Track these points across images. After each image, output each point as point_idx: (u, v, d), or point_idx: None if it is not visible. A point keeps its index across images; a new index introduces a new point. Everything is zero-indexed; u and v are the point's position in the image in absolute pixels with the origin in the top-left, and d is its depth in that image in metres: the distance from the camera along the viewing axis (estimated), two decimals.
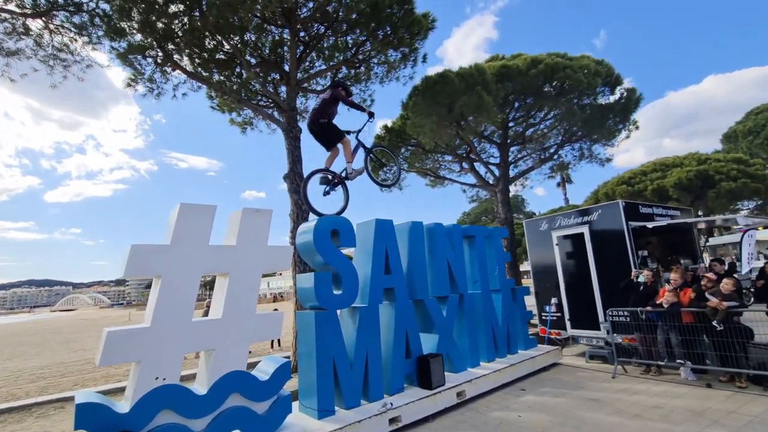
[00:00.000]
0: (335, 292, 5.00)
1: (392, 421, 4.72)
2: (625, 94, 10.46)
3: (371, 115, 5.76)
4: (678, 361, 6.01)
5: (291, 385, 5.47)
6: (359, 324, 5.12)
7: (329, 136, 5.52)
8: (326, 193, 5.57)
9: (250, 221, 4.37)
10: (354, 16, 8.20)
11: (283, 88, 9.61)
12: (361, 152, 5.70)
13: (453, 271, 6.63)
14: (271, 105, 9.40)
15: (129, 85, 8.28)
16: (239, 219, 4.33)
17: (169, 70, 8.83)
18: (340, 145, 5.56)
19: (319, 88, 10.07)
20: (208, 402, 3.77)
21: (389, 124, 12.05)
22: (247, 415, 3.93)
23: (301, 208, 7.74)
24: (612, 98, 10.47)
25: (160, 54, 8.07)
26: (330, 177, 5.54)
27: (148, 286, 5.68)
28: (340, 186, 5.66)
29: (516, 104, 11.03)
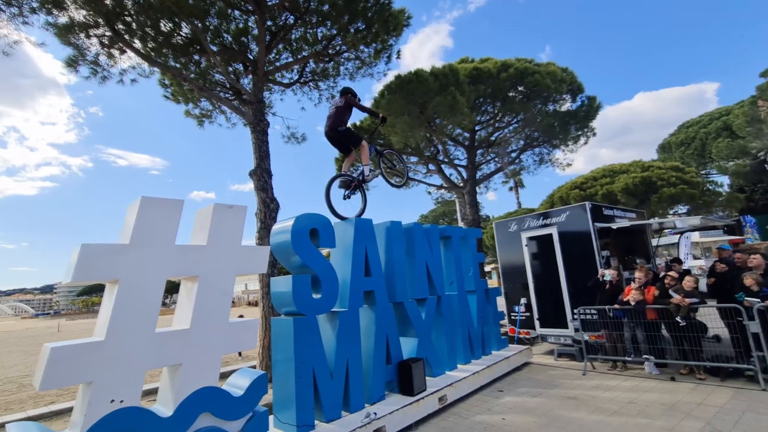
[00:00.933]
0: (314, 296, 4.65)
1: None
2: (586, 101, 11.02)
3: (384, 120, 6.05)
4: (644, 356, 6.27)
5: (265, 397, 5.01)
6: (339, 330, 4.80)
7: (348, 141, 5.80)
8: (346, 197, 5.91)
9: (222, 218, 3.91)
10: (326, 7, 7.85)
11: (246, 80, 9.04)
12: (374, 155, 6.12)
13: (431, 273, 6.48)
14: (233, 98, 8.77)
15: (69, 65, 7.31)
16: (210, 216, 3.86)
17: (116, 53, 7.95)
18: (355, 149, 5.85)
19: (285, 81, 9.57)
20: (174, 425, 3.27)
21: (357, 123, 11.77)
22: None
23: (269, 207, 7.23)
24: (574, 105, 11.03)
25: (107, 33, 7.22)
26: (349, 181, 5.84)
27: (81, 294, 4.96)
28: (358, 190, 6.00)
29: (484, 107, 11.21)
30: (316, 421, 4.36)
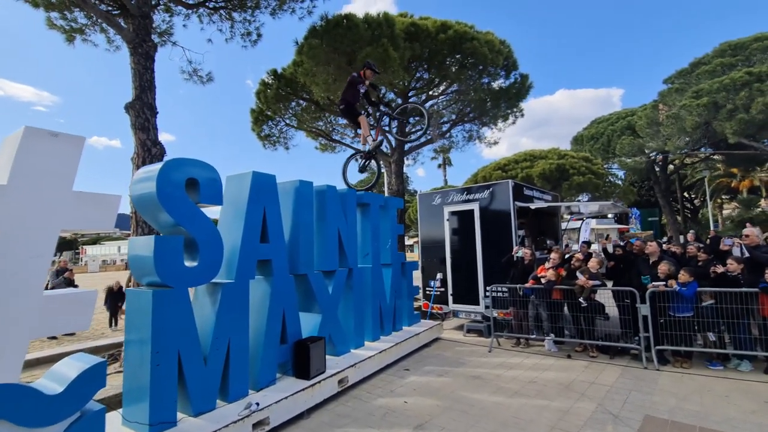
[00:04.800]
0: (188, 263, 3.70)
1: (258, 425, 3.74)
2: (519, 79, 10.93)
3: (383, 105, 6.64)
4: (546, 334, 6.40)
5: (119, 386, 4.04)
6: (221, 305, 3.93)
7: (350, 117, 6.36)
8: (362, 169, 6.75)
9: (38, 149, 2.75)
10: None
11: None
12: (386, 120, 6.75)
13: (343, 243, 5.81)
14: (116, 10, 6.90)
15: None
16: (16, 144, 2.68)
17: None
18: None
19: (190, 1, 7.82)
20: None
21: (279, 70, 10.33)
22: None
23: (150, 152, 5.83)
24: (507, 82, 10.89)
25: None
26: (361, 155, 6.71)
27: None
28: (372, 161, 6.65)
29: (419, 73, 10.56)
30: (180, 415, 3.54)
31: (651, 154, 22.81)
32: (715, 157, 26.71)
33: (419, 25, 9.03)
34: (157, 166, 3.56)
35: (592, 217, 15.32)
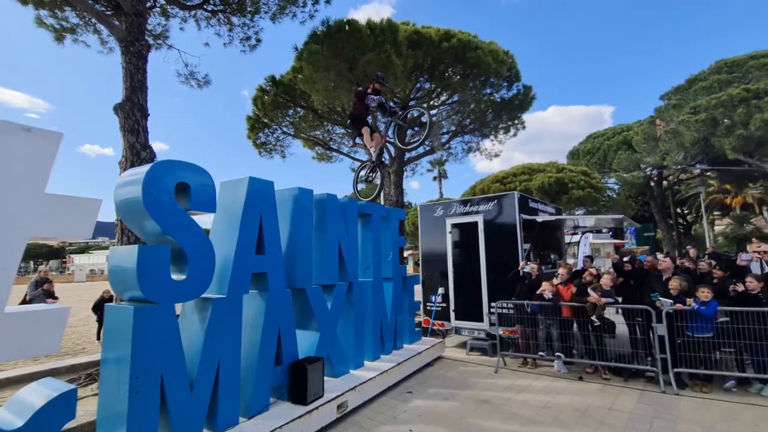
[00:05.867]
0: (175, 276, 3.34)
1: None
2: (522, 89, 10.81)
3: (392, 113, 6.27)
4: (557, 354, 6.06)
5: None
6: (211, 323, 3.56)
7: (355, 129, 6.46)
8: (364, 180, 6.90)
9: (6, 146, 2.41)
10: None
11: None
12: (391, 127, 6.55)
13: (344, 255, 5.47)
14: (110, 10, 6.62)
15: None
16: None
17: None
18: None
19: (187, 1, 7.57)
20: None
21: (277, 77, 10.08)
22: None
23: (140, 156, 5.48)
24: (509, 93, 10.74)
25: None
26: (368, 165, 6.82)
27: None
28: (378, 171, 6.71)
29: (420, 83, 10.38)
30: None
31: (647, 170, 22.90)
32: (709, 173, 26.93)
33: (422, 33, 8.88)
34: (143, 169, 3.23)
35: (590, 232, 15.15)
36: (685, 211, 36.09)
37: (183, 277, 3.35)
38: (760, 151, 14.58)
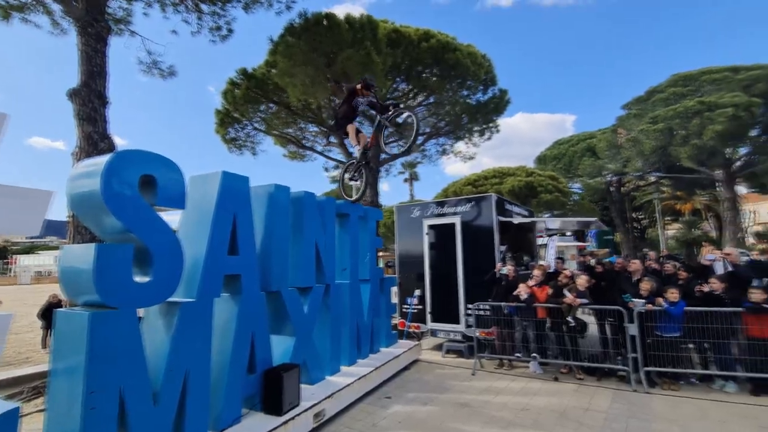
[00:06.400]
0: (138, 279, 3.02)
1: None
2: (498, 93, 10.95)
3: (384, 108, 5.99)
4: (533, 355, 6.10)
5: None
6: (178, 329, 3.25)
7: (340, 129, 6.40)
8: (350, 179, 6.50)
9: None
10: None
11: None
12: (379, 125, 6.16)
13: (321, 256, 5.25)
14: None
15: None
16: None
17: None
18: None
19: None
20: None
21: (249, 70, 9.63)
22: None
23: (97, 146, 5.00)
24: (485, 97, 10.85)
25: None
26: (353, 165, 6.48)
27: None
28: (363, 171, 6.38)
29: (397, 84, 10.29)
30: None
31: (608, 176, 24.00)
32: (663, 180, 28.60)
33: (402, 32, 8.78)
34: (103, 159, 2.90)
35: (556, 234, 15.67)
36: (641, 216, 38.21)
37: (147, 279, 3.04)
38: (711, 161, 15.63)
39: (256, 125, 11.02)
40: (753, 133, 16.31)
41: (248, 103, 9.83)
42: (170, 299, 3.26)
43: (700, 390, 5.21)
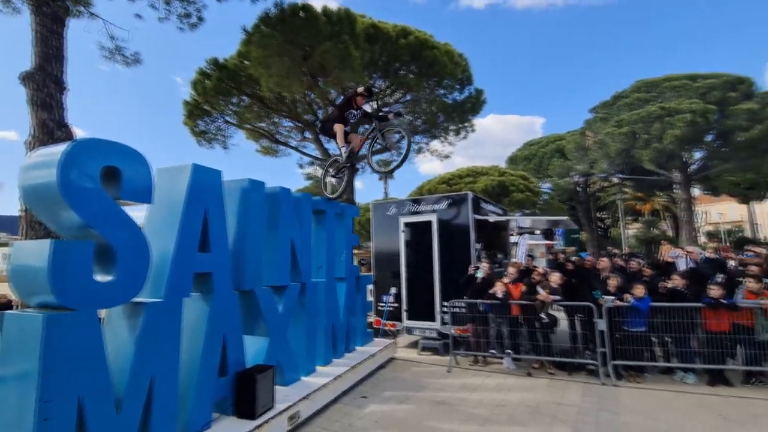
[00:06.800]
0: (100, 277, 2.81)
1: None
2: (474, 93, 11.06)
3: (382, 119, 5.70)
4: (507, 351, 6.20)
5: None
6: (144, 332, 3.06)
7: (326, 133, 6.15)
8: (335, 176, 6.24)
9: None
10: None
11: None
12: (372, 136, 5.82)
13: (297, 254, 5.11)
14: None
15: None
16: None
17: None
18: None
19: None
20: None
21: (221, 60, 9.23)
22: None
23: (53, 134, 4.61)
24: (461, 96, 10.94)
25: None
26: (338, 162, 6.13)
27: None
28: (345, 171, 6.14)
29: (374, 80, 10.20)
30: None
31: (576, 176, 24.90)
32: (626, 182, 30.00)
33: (380, 28, 8.69)
34: (60, 148, 2.67)
35: (527, 233, 16.14)
36: (605, 216, 39.93)
37: (110, 278, 2.83)
38: (670, 164, 16.50)
39: (227, 118, 10.63)
40: (708, 138, 17.38)
41: (219, 95, 9.45)
42: (135, 299, 3.06)
43: (663, 382, 5.45)
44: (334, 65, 7.28)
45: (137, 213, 3.18)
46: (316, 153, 12.02)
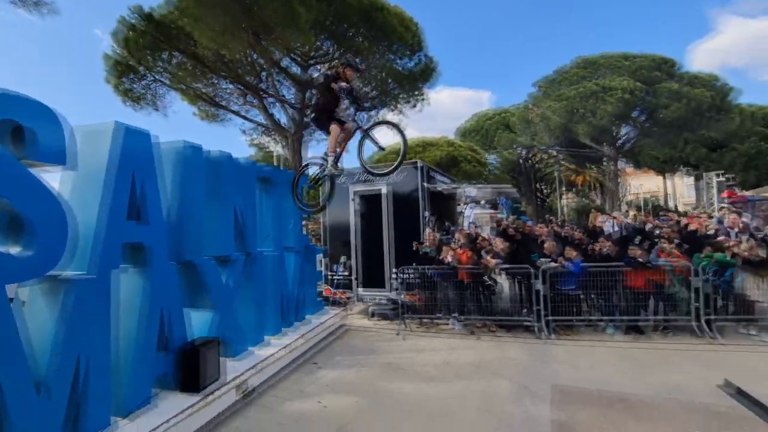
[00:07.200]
0: (12, 249, 2.48)
1: None
2: (424, 60, 10.89)
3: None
4: (453, 314, 6.51)
5: None
6: (65, 308, 2.77)
7: (321, 125, 5.12)
8: (313, 181, 5.34)
9: None
10: None
11: None
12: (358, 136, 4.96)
13: (241, 223, 4.87)
14: None
15: None
16: None
17: None
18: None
19: None
20: None
21: (149, 11, 8.13)
22: None
23: None
24: (412, 63, 10.75)
25: None
26: (322, 167, 5.20)
27: None
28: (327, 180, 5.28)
29: (322, 42, 9.67)
30: None
31: (519, 149, 26.08)
32: (563, 155, 32.02)
33: None
34: None
35: (474, 202, 16.84)
36: (543, 187, 42.60)
37: (18, 249, 2.50)
38: (602, 138, 17.79)
39: (157, 77, 9.60)
40: (635, 114, 18.87)
41: (147, 50, 8.44)
42: (52, 273, 2.74)
43: (589, 334, 6.05)
44: (276, 23, 6.71)
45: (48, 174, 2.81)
46: (261, 118, 11.34)
